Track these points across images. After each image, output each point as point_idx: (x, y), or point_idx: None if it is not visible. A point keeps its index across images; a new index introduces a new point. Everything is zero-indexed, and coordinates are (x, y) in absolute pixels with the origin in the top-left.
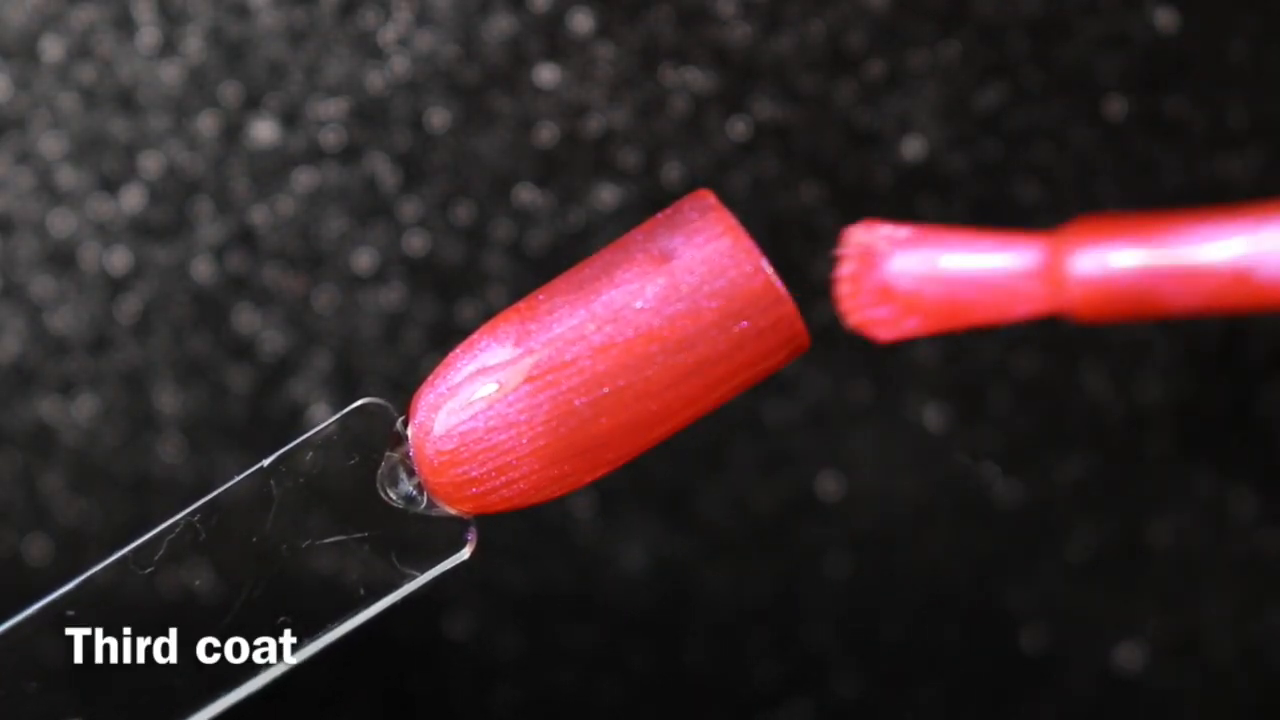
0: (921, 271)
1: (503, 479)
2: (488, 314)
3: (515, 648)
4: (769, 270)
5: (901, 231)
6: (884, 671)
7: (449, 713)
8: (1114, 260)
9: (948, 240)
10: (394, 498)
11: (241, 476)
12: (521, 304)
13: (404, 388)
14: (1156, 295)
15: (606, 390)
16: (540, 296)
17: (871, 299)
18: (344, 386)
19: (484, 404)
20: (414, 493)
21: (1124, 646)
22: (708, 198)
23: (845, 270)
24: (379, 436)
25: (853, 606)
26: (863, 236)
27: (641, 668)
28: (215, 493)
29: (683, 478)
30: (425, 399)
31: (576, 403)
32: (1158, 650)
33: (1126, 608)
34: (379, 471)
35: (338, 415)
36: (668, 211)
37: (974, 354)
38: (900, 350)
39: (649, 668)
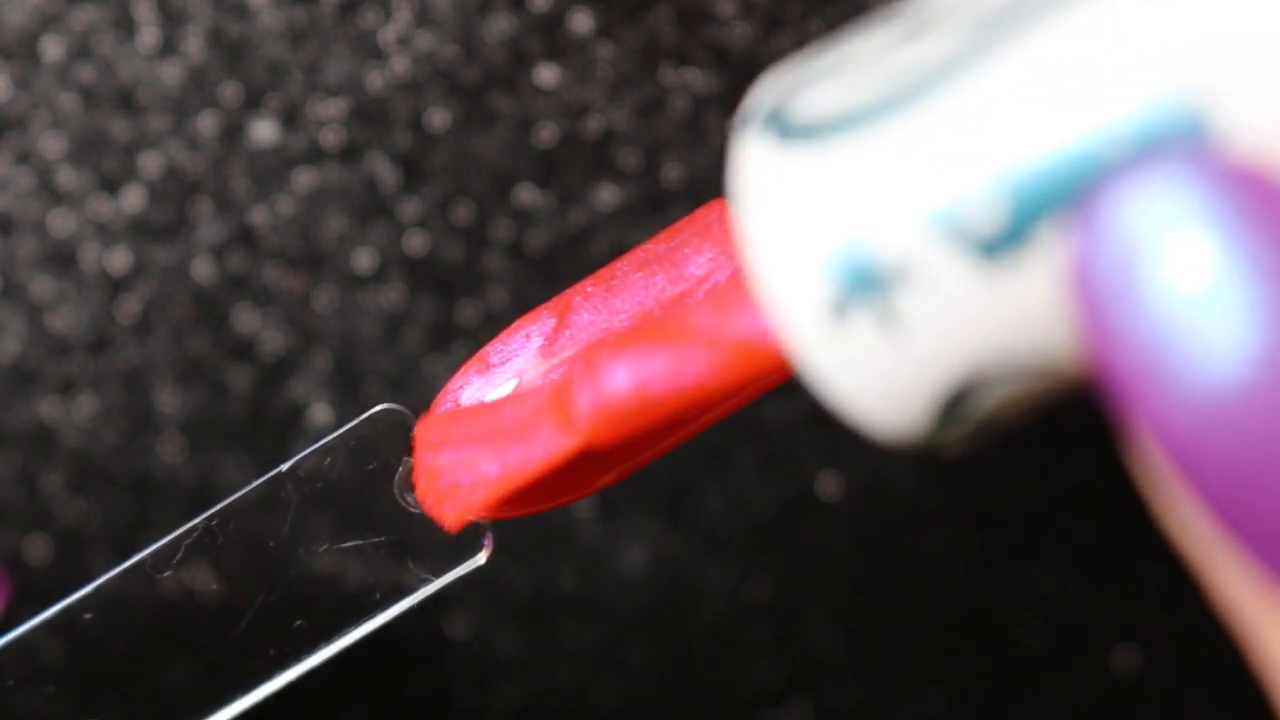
0: (460, 459)
1: None
2: (488, 314)
3: (515, 648)
4: None
5: (435, 424)
6: (884, 671)
7: (449, 713)
8: (609, 380)
9: (470, 418)
10: (411, 503)
11: (259, 482)
12: (532, 318)
13: (404, 388)
14: (662, 405)
15: None
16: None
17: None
18: (344, 386)
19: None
20: None
21: (1123, 646)
22: (724, 208)
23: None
24: (396, 442)
25: (853, 606)
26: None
27: (641, 668)
28: (233, 498)
29: (683, 478)
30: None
31: None
32: (1158, 650)
33: (1126, 608)
34: (396, 477)
35: (356, 421)
36: (684, 222)
37: None
38: None
39: (649, 668)
